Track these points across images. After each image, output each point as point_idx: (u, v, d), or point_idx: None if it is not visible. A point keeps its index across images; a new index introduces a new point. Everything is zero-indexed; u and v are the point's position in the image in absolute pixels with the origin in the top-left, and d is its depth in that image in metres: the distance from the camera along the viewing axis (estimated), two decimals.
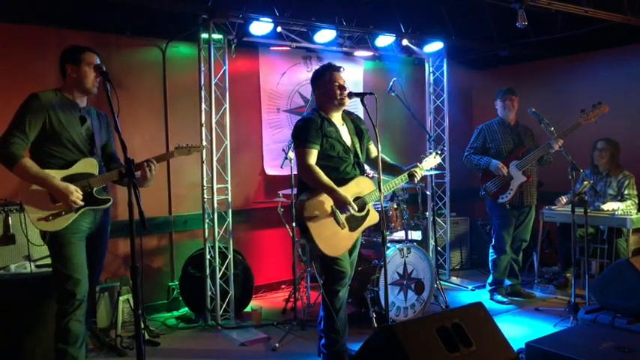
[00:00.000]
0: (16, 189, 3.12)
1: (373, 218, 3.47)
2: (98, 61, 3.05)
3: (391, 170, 3.57)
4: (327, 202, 3.28)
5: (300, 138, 3.33)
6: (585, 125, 4.68)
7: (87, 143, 3.06)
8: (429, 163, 3.63)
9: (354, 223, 3.35)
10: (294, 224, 4.47)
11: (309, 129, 3.32)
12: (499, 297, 5.04)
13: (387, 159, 3.64)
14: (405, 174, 3.49)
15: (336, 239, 3.30)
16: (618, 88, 5.80)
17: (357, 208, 3.29)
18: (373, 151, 3.66)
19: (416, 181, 3.54)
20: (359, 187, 3.39)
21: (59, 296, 2.96)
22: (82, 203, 2.94)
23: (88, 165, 3.04)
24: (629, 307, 3.70)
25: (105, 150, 3.22)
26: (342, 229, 3.31)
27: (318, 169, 3.28)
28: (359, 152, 3.48)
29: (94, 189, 3.01)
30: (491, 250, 5.17)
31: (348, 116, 3.57)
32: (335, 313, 3.40)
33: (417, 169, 3.49)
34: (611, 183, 5.17)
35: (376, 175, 3.38)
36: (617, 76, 5.86)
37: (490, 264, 5.18)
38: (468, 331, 2.66)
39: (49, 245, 3.00)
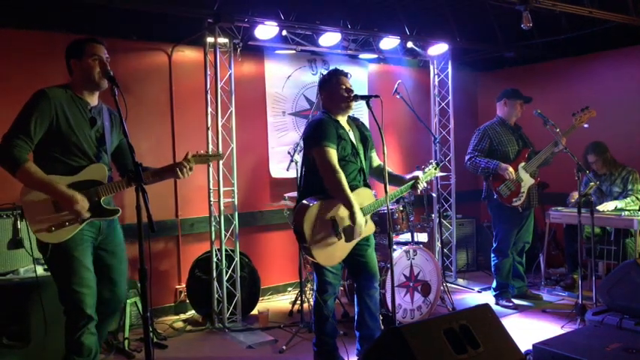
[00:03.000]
0: None
1: (369, 229, 3.49)
2: (105, 53, 2.84)
3: (394, 180, 3.59)
4: (329, 211, 3.29)
5: (320, 136, 3.29)
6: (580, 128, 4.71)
7: (95, 147, 2.85)
8: (430, 173, 3.69)
9: (349, 234, 3.34)
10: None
11: (326, 128, 3.32)
12: (504, 302, 4.99)
13: (390, 170, 3.64)
14: (409, 184, 3.53)
15: (331, 249, 3.30)
16: (623, 89, 5.80)
17: (361, 233, 3.33)
18: (375, 160, 3.69)
19: (418, 192, 3.59)
20: (359, 198, 3.38)
21: (67, 311, 2.78)
22: (88, 215, 2.73)
23: (96, 172, 2.82)
24: (637, 308, 3.69)
25: (118, 152, 3.02)
26: (339, 239, 3.32)
27: (343, 176, 3.26)
28: (363, 159, 3.51)
29: (102, 198, 2.80)
30: (492, 255, 5.08)
31: (354, 122, 3.61)
32: (323, 321, 3.47)
33: (419, 181, 3.53)
34: (615, 181, 5.17)
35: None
36: (622, 77, 5.85)
37: (493, 268, 5.11)
38: (476, 332, 2.66)
39: (50, 260, 2.76)
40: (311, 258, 3.30)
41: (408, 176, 3.57)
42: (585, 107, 4.70)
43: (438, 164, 3.75)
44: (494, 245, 5.08)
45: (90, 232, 2.82)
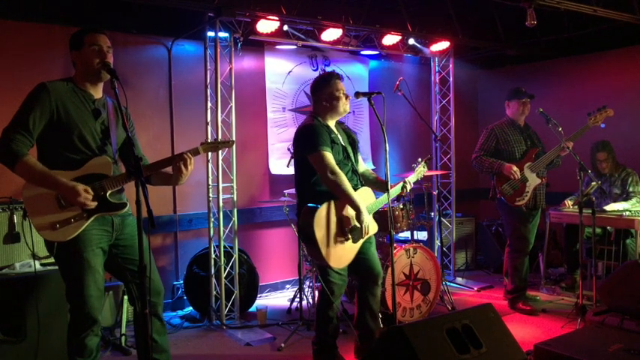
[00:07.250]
0: (20, 187, 2.98)
1: (373, 229, 3.47)
2: (107, 43, 2.73)
3: (379, 186, 3.58)
4: (336, 212, 3.27)
5: (314, 141, 3.25)
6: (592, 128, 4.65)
7: (100, 140, 2.73)
8: (419, 172, 3.72)
9: (356, 234, 3.33)
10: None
11: (319, 133, 3.28)
12: (522, 305, 4.76)
13: (375, 175, 3.67)
14: (397, 188, 3.56)
15: (341, 251, 3.29)
16: (626, 89, 5.77)
17: (368, 231, 3.32)
18: (361, 165, 3.66)
19: (405, 193, 3.64)
20: (362, 197, 3.36)
21: (73, 312, 2.68)
22: (93, 204, 2.59)
23: (101, 164, 2.69)
24: (638, 308, 3.67)
25: (125, 147, 2.83)
26: (347, 240, 3.30)
27: (345, 177, 3.24)
28: (354, 161, 3.50)
29: (108, 192, 2.68)
30: (509, 256, 4.85)
31: (339, 126, 3.58)
32: (327, 322, 3.46)
33: (406, 184, 3.58)
34: (615, 182, 5.15)
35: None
36: (625, 77, 5.83)
37: (510, 269, 4.83)
38: (478, 332, 2.65)
39: (56, 258, 2.68)
40: (318, 261, 3.26)
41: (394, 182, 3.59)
42: (602, 106, 4.55)
43: (426, 161, 3.79)
44: (509, 246, 4.86)
45: (102, 230, 2.71)
